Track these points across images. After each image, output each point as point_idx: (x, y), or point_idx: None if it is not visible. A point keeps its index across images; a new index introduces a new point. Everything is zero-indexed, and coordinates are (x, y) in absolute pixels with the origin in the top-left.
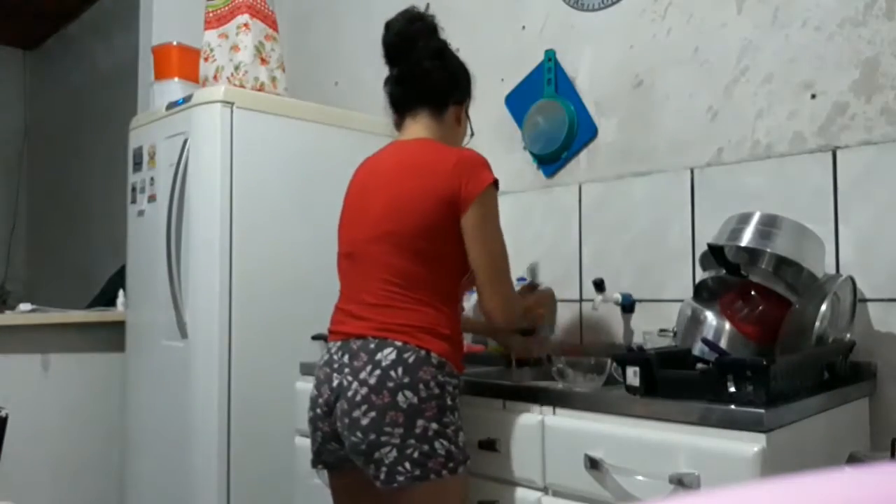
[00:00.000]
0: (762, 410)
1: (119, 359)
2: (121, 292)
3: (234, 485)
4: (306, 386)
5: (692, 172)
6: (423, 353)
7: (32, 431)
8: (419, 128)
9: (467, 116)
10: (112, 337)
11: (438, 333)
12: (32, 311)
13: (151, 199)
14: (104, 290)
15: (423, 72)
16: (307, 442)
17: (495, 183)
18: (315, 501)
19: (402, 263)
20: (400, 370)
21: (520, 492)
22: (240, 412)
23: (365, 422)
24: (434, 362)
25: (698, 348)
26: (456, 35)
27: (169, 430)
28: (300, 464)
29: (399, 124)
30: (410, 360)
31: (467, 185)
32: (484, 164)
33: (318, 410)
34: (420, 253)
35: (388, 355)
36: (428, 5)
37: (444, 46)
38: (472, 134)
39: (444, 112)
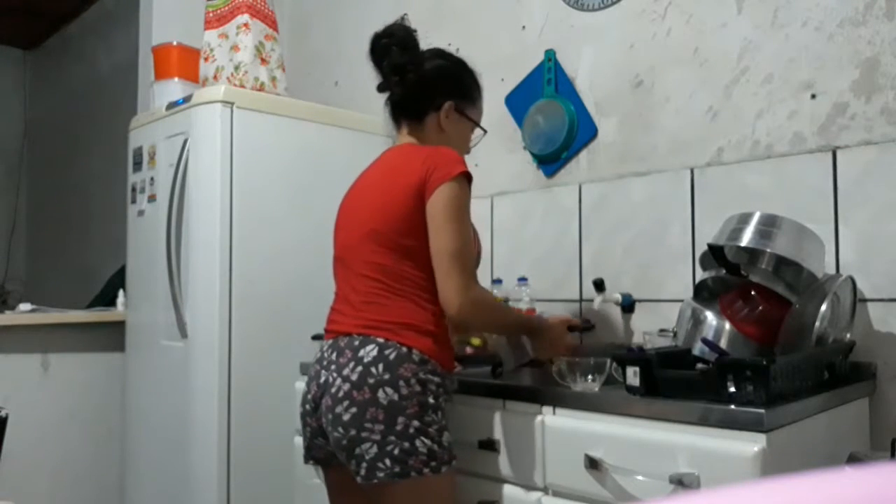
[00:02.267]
0: (762, 410)
1: (119, 359)
2: (121, 292)
3: (234, 485)
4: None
5: (692, 172)
6: (404, 349)
7: (32, 431)
8: (402, 138)
9: (465, 117)
10: (112, 337)
11: (422, 330)
12: (32, 311)
13: (151, 199)
14: (104, 290)
15: (389, 88)
16: None
17: (466, 175)
18: (315, 501)
19: (385, 261)
20: (381, 367)
21: (520, 492)
22: (240, 412)
23: (346, 417)
24: (416, 359)
25: (698, 348)
26: (456, 35)
27: (169, 430)
28: (300, 464)
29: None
30: (391, 356)
31: (434, 173)
32: (455, 158)
33: (307, 406)
34: (402, 250)
35: (370, 352)
36: (405, 15)
37: (407, 61)
38: (485, 131)
39: (422, 122)
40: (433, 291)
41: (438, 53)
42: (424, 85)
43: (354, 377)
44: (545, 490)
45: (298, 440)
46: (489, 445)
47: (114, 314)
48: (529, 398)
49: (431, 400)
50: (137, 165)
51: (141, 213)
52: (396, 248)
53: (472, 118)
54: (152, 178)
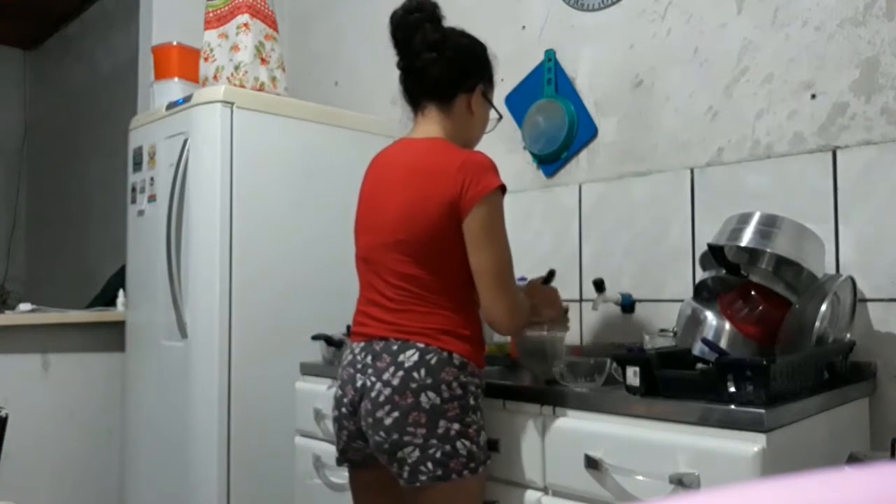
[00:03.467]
0: (762, 410)
1: (119, 359)
2: (121, 292)
3: (234, 485)
4: (306, 386)
5: (692, 172)
6: (445, 354)
7: (32, 431)
8: (429, 124)
9: (487, 100)
10: (112, 337)
11: (459, 335)
12: (32, 311)
13: (151, 199)
14: (104, 290)
15: (422, 66)
16: (308, 442)
17: (501, 188)
18: (315, 501)
19: (414, 272)
20: (423, 371)
21: (520, 492)
22: (240, 412)
23: (388, 422)
24: (456, 363)
25: (698, 348)
26: None
27: (169, 430)
28: (300, 464)
29: (413, 118)
30: (433, 361)
31: (470, 188)
32: (490, 168)
33: (343, 409)
34: (431, 262)
35: (410, 357)
36: None
37: (442, 37)
38: (500, 117)
39: (452, 104)
40: (463, 298)
41: (461, 33)
42: (459, 65)
43: (396, 382)
44: (545, 490)
45: (299, 440)
46: (490, 445)
47: (114, 314)
48: (529, 398)
49: (472, 402)
50: (137, 165)
51: (141, 213)
52: (424, 258)
53: (492, 101)
54: (152, 178)
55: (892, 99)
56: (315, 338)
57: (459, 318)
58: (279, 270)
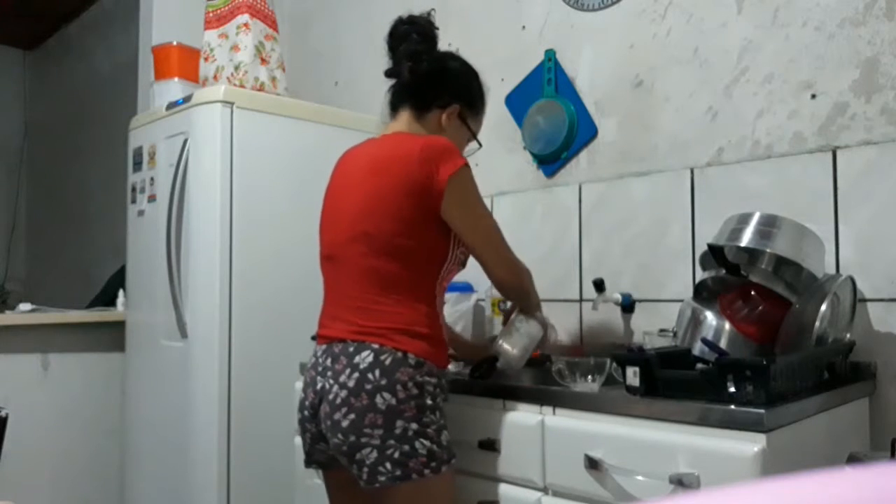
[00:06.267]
0: (762, 410)
1: (119, 359)
2: (121, 292)
3: (234, 485)
4: None
5: (692, 172)
6: (399, 354)
7: (32, 431)
8: (399, 125)
9: (465, 125)
10: (112, 337)
11: (415, 333)
12: (32, 311)
13: (151, 199)
14: (104, 290)
15: (398, 71)
16: None
17: (466, 164)
18: (315, 501)
19: (378, 264)
20: (377, 372)
21: (520, 492)
22: (240, 412)
23: (345, 424)
24: (411, 363)
25: (698, 348)
26: (456, 35)
27: (169, 429)
28: (300, 464)
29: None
30: (387, 362)
31: (437, 172)
32: (451, 149)
33: (306, 412)
34: (396, 252)
35: (365, 358)
36: (432, 10)
37: (424, 49)
38: (480, 146)
39: (426, 114)
40: (426, 291)
41: (455, 56)
42: (435, 78)
43: (351, 384)
44: (545, 490)
45: (299, 441)
46: (489, 445)
47: (114, 314)
48: (529, 398)
49: (429, 401)
50: (137, 165)
51: (141, 213)
52: (389, 249)
53: (472, 129)
54: (152, 178)
55: (892, 99)
56: (315, 338)
57: (418, 315)
58: (279, 270)
